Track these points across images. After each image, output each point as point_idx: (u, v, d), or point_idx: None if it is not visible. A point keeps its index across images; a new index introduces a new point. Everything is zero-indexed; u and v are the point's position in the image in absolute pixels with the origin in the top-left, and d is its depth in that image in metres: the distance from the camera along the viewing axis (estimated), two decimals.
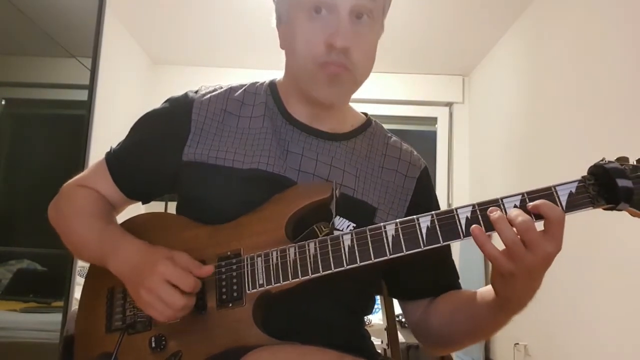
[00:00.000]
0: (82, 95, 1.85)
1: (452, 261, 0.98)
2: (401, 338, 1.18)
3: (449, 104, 4.05)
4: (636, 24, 1.93)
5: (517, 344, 2.69)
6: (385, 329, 1.33)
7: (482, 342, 3.13)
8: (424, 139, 4.06)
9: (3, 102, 1.68)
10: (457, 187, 3.91)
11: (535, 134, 2.74)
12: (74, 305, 1.74)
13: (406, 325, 1.02)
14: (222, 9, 3.08)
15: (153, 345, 0.80)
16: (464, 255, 3.46)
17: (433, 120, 4.08)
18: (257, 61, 3.41)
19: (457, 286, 0.96)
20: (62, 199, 0.95)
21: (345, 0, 0.81)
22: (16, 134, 1.75)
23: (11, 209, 1.74)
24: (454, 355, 2.53)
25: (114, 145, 0.98)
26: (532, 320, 2.59)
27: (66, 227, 0.92)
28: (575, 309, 2.23)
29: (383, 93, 3.88)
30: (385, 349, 1.39)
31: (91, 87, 1.85)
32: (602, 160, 0.70)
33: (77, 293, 1.67)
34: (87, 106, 1.84)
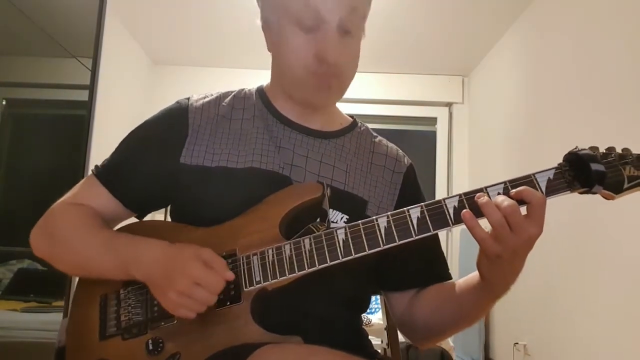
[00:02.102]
0: (82, 95, 1.85)
1: (442, 252, 1.01)
2: (401, 338, 1.18)
3: (449, 104, 4.05)
4: (635, 24, 1.93)
5: (517, 343, 2.69)
6: (385, 329, 1.33)
7: (482, 341, 3.14)
8: (423, 139, 4.05)
9: (3, 102, 1.68)
10: (457, 187, 3.91)
11: (535, 133, 2.74)
12: None
13: None
14: (223, 9, 3.08)
15: (150, 348, 0.80)
16: (464, 255, 3.47)
17: (433, 120, 4.08)
18: (257, 61, 3.39)
19: (447, 276, 0.98)
20: (54, 221, 0.90)
21: (333, 15, 0.84)
22: (16, 134, 1.75)
23: (12, 209, 1.74)
24: (454, 354, 2.53)
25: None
26: (532, 320, 2.59)
27: (63, 248, 0.88)
28: (575, 309, 2.23)
29: (383, 93, 3.87)
30: (385, 349, 1.39)
31: (91, 87, 1.85)
32: (575, 148, 0.77)
33: None
34: (87, 106, 1.84)
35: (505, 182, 0.76)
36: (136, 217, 0.96)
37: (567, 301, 2.29)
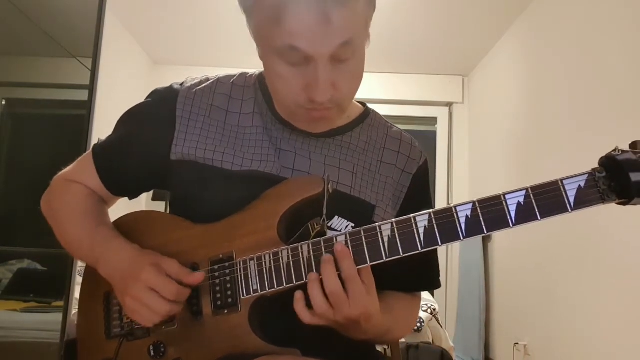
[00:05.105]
0: (82, 95, 1.84)
1: (436, 257, 0.94)
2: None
3: (449, 104, 4.05)
4: (634, 24, 1.93)
5: (517, 343, 2.69)
6: None
7: (482, 341, 3.14)
8: (424, 139, 4.05)
9: (3, 102, 1.67)
10: (457, 187, 3.91)
11: (535, 133, 2.74)
12: (74, 305, 1.74)
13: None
14: (223, 9, 3.08)
15: (152, 353, 0.80)
16: (464, 255, 3.46)
17: (433, 120, 4.09)
18: (257, 61, 3.41)
19: (436, 285, 0.94)
20: (53, 195, 0.94)
21: (321, 55, 0.72)
22: (16, 134, 1.75)
23: (11, 209, 1.73)
24: (454, 354, 2.53)
25: (102, 138, 0.95)
26: (532, 320, 2.59)
27: (59, 224, 0.91)
28: (575, 309, 2.23)
29: (383, 93, 3.88)
30: (385, 349, 1.39)
31: (91, 87, 1.84)
32: (614, 150, 0.64)
33: (77, 293, 1.67)
34: (87, 106, 1.84)
35: (527, 189, 0.66)
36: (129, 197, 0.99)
37: (567, 301, 2.29)
